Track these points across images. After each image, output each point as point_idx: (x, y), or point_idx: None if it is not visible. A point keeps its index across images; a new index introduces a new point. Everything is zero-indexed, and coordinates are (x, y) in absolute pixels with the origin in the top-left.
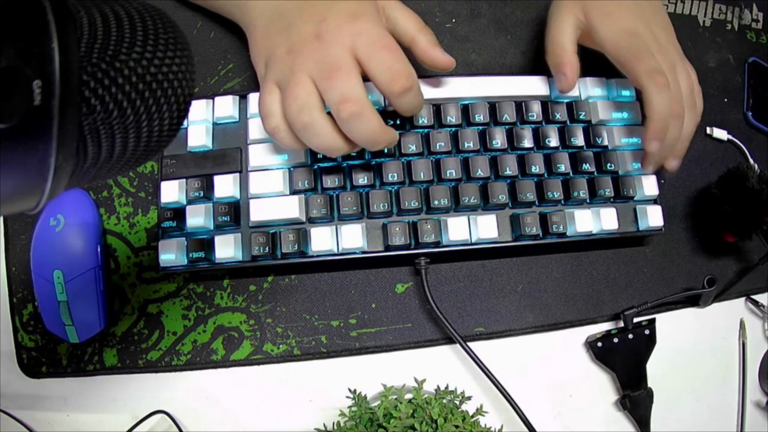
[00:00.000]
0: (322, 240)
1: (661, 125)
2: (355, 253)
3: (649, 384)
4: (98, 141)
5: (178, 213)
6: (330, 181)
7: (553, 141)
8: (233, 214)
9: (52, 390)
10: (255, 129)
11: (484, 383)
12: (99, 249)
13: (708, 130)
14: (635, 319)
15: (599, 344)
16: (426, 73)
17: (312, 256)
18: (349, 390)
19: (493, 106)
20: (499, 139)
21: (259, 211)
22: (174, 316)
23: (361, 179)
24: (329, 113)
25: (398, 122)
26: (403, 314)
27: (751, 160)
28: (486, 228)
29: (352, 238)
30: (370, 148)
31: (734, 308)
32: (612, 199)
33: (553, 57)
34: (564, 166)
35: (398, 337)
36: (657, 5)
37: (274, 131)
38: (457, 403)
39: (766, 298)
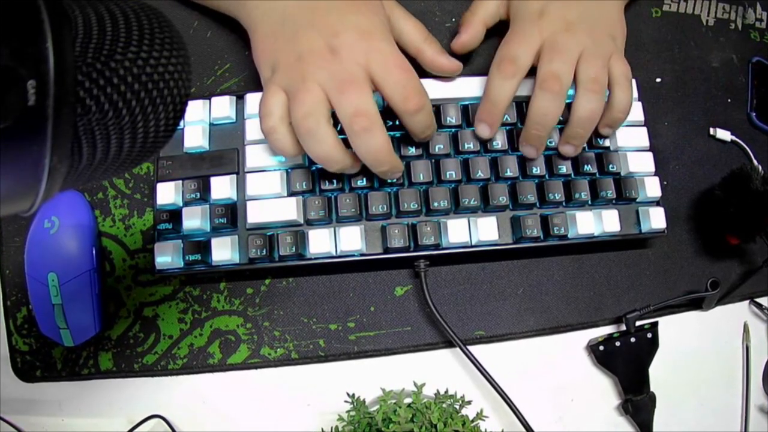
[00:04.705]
0: (320, 242)
1: (488, 107)
2: (353, 255)
3: (652, 388)
4: (93, 142)
5: (174, 215)
6: (328, 183)
7: (555, 142)
8: (230, 216)
9: (47, 394)
10: (252, 130)
11: (484, 387)
12: (94, 251)
13: (711, 130)
14: (637, 323)
15: (601, 348)
16: (426, 73)
17: (310, 259)
18: (348, 394)
19: None
20: (499, 140)
21: (256, 213)
22: (170, 320)
23: (360, 181)
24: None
25: (397, 122)
26: (402, 317)
27: (755, 161)
28: (486, 230)
29: (351, 240)
30: (374, 167)
31: (738, 311)
32: (614, 201)
33: (461, 19)
34: (565, 168)
35: (397, 341)
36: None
37: (270, 131)
38: (457, 407)
39: None
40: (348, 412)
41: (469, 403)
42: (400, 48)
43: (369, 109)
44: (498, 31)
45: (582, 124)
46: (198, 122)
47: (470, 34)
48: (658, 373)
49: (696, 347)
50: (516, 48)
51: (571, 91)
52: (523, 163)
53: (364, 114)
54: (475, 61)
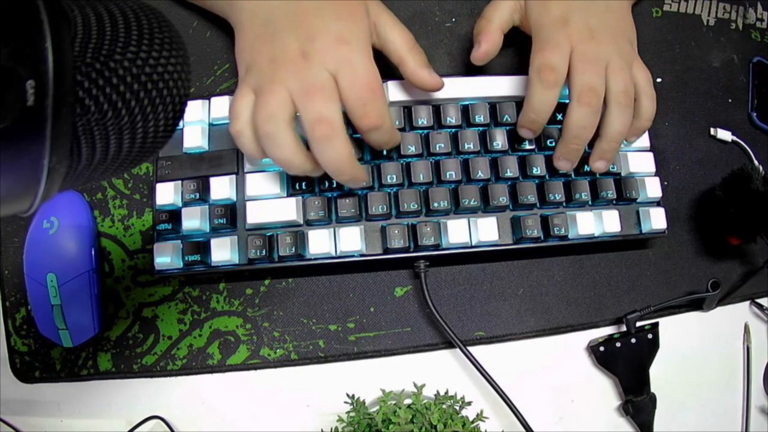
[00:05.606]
0: (320, 242)
1: (532, 117)
2: (353, 255)
3: (652, 389)
4: (92, 142)
5: (174, 215)
6: (328, 183)
7: (555, 142)
8: (229, 217)
9: (46, 395)
10: None
11: (484, 388)
12: (93, 252)
13: (712, 131)
14: (638, 323)
15: (601, 348)
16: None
17: (309, 259)
18: (348, 395)
19: (494, 106)
20: (499, 140)
21: (255, 214)
22: (169, 320)
23: None
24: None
25: (396, 122)
26: (402, 318)
27: (756, 162)
28: (486, 230)
29: (351, 240)
30: (334, 175)
31: (738, 312)
32: (614, 201)
33: (476, 27)
34: None
35: (397, 342)
36: (611, 4)
37: (237, 134)
38: (457, 408)
39: None
40: (348, 412)
41: (469, 404)
42: (384, 55)
43: (332, 117)
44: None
45: (616, 138)
46: (197, 122)
47: (490, 43)
48: (659, 373)
49: (697, 348)
50: (552, 56)
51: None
52: (523, 163)
53: (327, 121)
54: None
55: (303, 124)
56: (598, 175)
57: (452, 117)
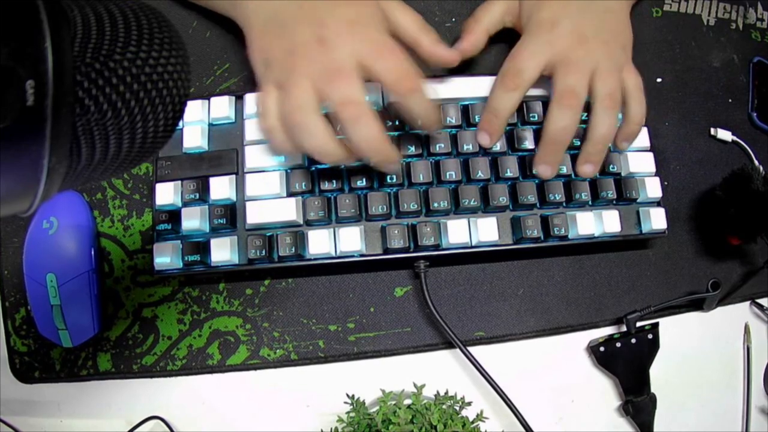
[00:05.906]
0: (320, 243)
1: (489, 118)
2: (353, 256)
3: (653, 389)
4: (92, 142)
5: (174, 215)
6: (328, 183)
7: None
8: (229, 217)
9: (46, 395)
10: (251, 130)
11: (484, 388)
12: (93, 252)
13: (712, 131)
14: (638, 324)
15: (601, 349)
16: (426, 73)
17: (309, 259)
18: (347, 395)
19: None
20: (498, 141)
21: (255, 214)
22: (169, 321)
23: (360, 181)
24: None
25: (396, 122)
26: (402, 318)
27: (756, 162)
28: (486, 230)
29: (350, 240)
30: (370, 157)
31: (739, 312)
32: (614, 201)
33: (464, 26)
34: (566, 168)
35: (397, 342)
36: (611, 5)
37: (269, 130)
38: (457, 408)
39: None
40: (348, 413)
41: (469, 404)
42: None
43: (357, 97)
44: (504, 36)
45: (601, 141)
46: (197, 122)
47: (471, 42)
48: (659, 374)
49: (697, 348)
50: (523, 61)
51: None
52: (523, 163)
53: (352, 102)
54: (475, 62)
55: (330, 110)
56: (597, 175)
57: (452, 117)
